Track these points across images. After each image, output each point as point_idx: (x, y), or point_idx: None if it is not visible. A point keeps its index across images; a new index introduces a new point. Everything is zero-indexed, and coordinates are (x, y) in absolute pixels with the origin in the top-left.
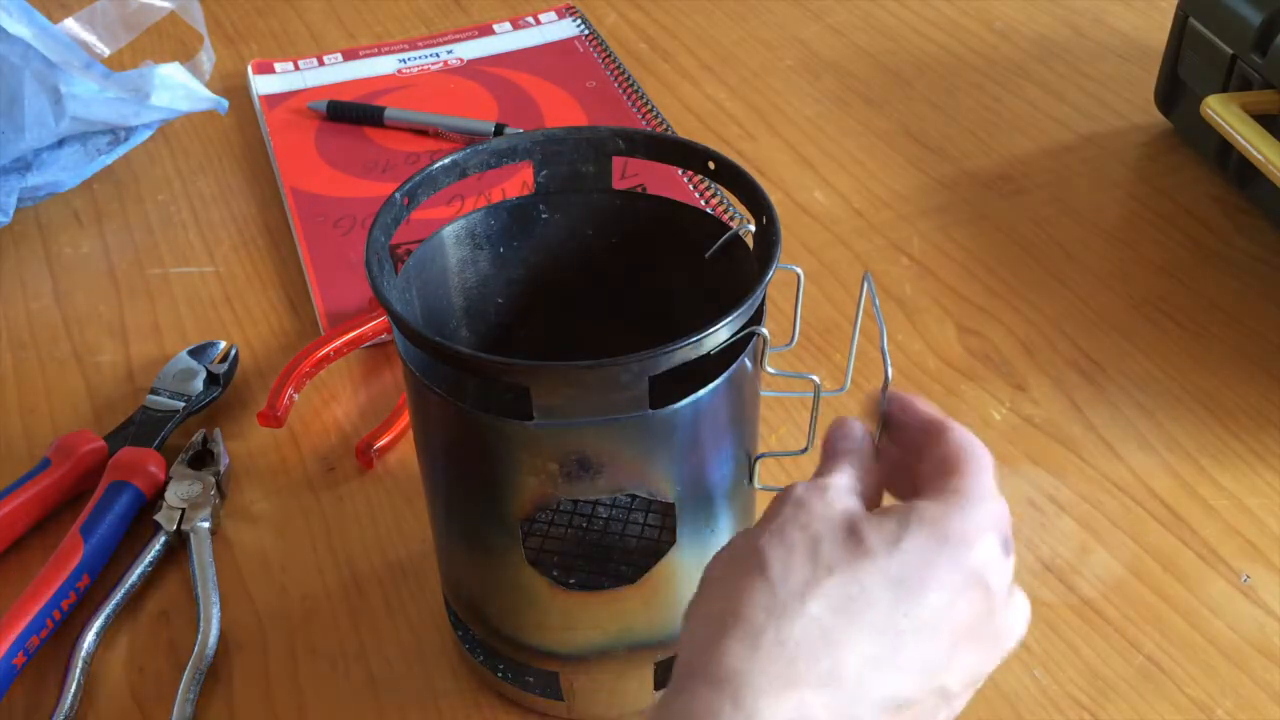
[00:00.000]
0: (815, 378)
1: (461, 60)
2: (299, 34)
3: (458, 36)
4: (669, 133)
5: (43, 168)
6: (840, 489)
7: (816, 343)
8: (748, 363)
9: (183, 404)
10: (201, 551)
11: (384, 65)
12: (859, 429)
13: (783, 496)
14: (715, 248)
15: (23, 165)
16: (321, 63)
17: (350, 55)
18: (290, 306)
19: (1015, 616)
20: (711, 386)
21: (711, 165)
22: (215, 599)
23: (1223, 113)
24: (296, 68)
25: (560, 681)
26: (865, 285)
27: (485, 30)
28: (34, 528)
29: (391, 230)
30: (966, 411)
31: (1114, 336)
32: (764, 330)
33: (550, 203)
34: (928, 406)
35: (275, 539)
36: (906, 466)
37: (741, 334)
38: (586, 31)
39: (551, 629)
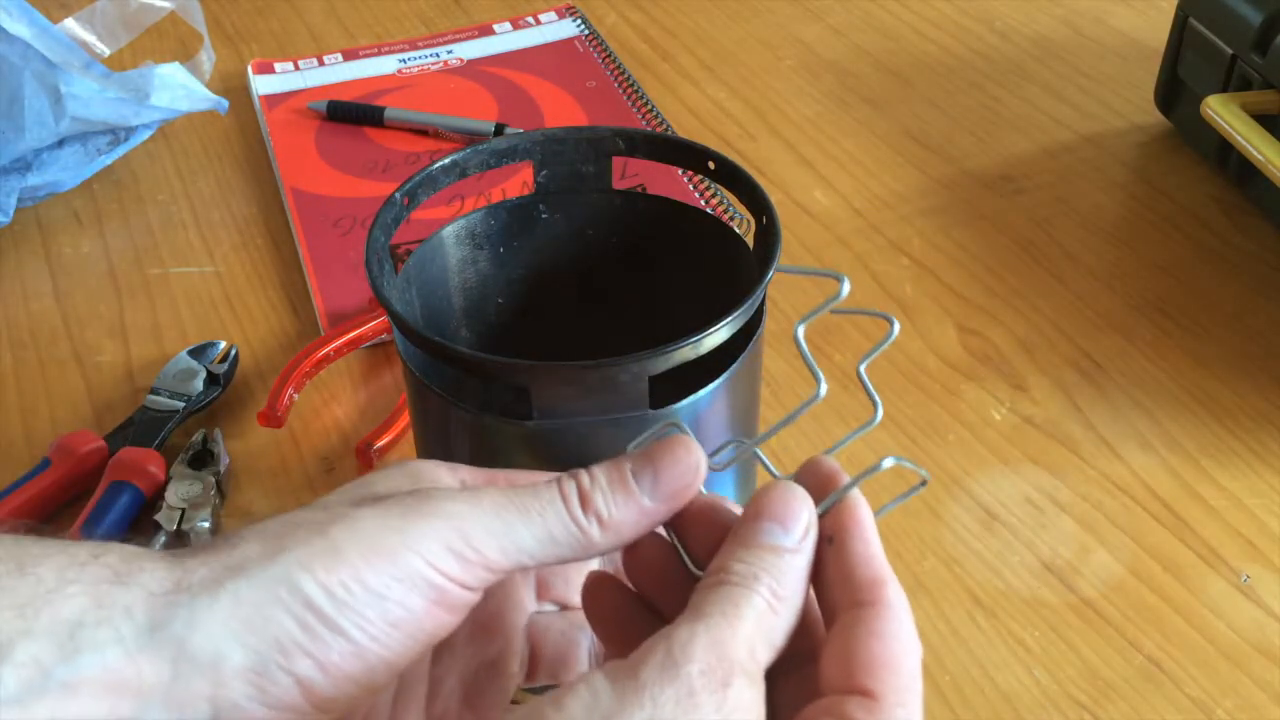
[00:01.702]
0: (844, 278)
1: (461, 60)
2: (299, 34)
3: (458, 36)
4: (669, 133)
5: (43, 168)
6: (750, 679)
7: (817, 344)
8: (747, 363)
9: (183, 404)
10: None
11: (384, 65)
12: (804, 523)
13: (670, 660)
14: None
15: (23, 165)
16: (321, 63)
17: (350, 55)
18: (290, 306)
19: None
20: (711, 386)
21: (711, 165)
22: None
23: (1223, 113)
24: (296, 68)
25: None
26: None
27: (485, 30)
28: (34, 528)
29: (391, 230)
30: (966, 411)
31: (1114, 336)
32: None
33: (550, 203)
34: (875, 544)
35: None
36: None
37: (741, 334)
38: (586, 31)
39: None
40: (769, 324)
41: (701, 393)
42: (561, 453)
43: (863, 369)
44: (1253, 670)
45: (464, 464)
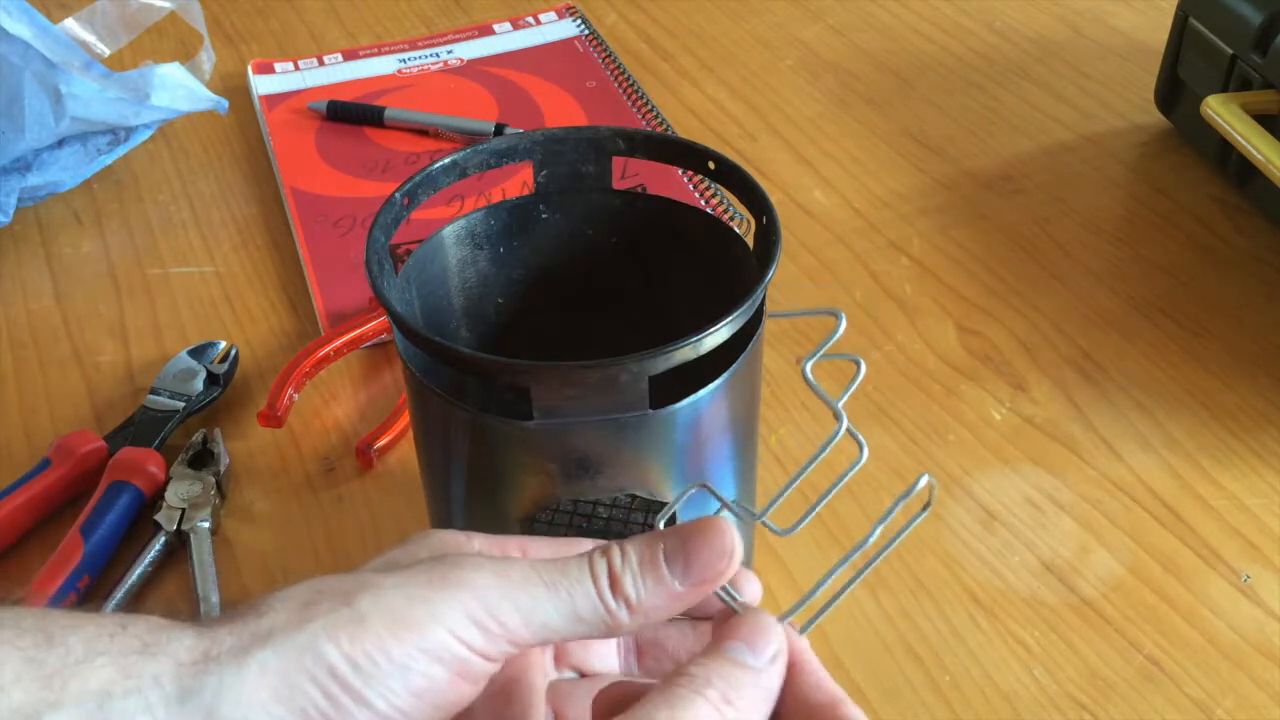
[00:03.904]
0: (841, 315)
1: (461, 60)
2: (299, 34)
3: (458, 36)
4: (669, 133)
5: (43, 168)
6: None
7: (817, 342)
8: (747, 363)
9: (183, 404)
10: (201, 551)
11: (384, 65)
12: (772, 648)
13: None
14: None
15: (23, 165)
16: (321, 63)
17: (350, 55)
18: (290, 306)
19: None
20: (711, 387)
21: (711, 165)
22: (215, 599)
23: (1223, 113)
24: (296, 68)
25: None
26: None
27: (485, 30)
28: (34, 528)
29: (391, 230)
30: (966, 411)
31: (1114, 336)
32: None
33: (550, 203)
34: (822, 669)
35: (275, 539)
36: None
37: (741, 334)
38: (586, 31)
39: None
40: (769, 324)
41: (701, 393)
42: (561, 453)
43: (808, 368)
44: (1253, 670)
45: (479, 533)
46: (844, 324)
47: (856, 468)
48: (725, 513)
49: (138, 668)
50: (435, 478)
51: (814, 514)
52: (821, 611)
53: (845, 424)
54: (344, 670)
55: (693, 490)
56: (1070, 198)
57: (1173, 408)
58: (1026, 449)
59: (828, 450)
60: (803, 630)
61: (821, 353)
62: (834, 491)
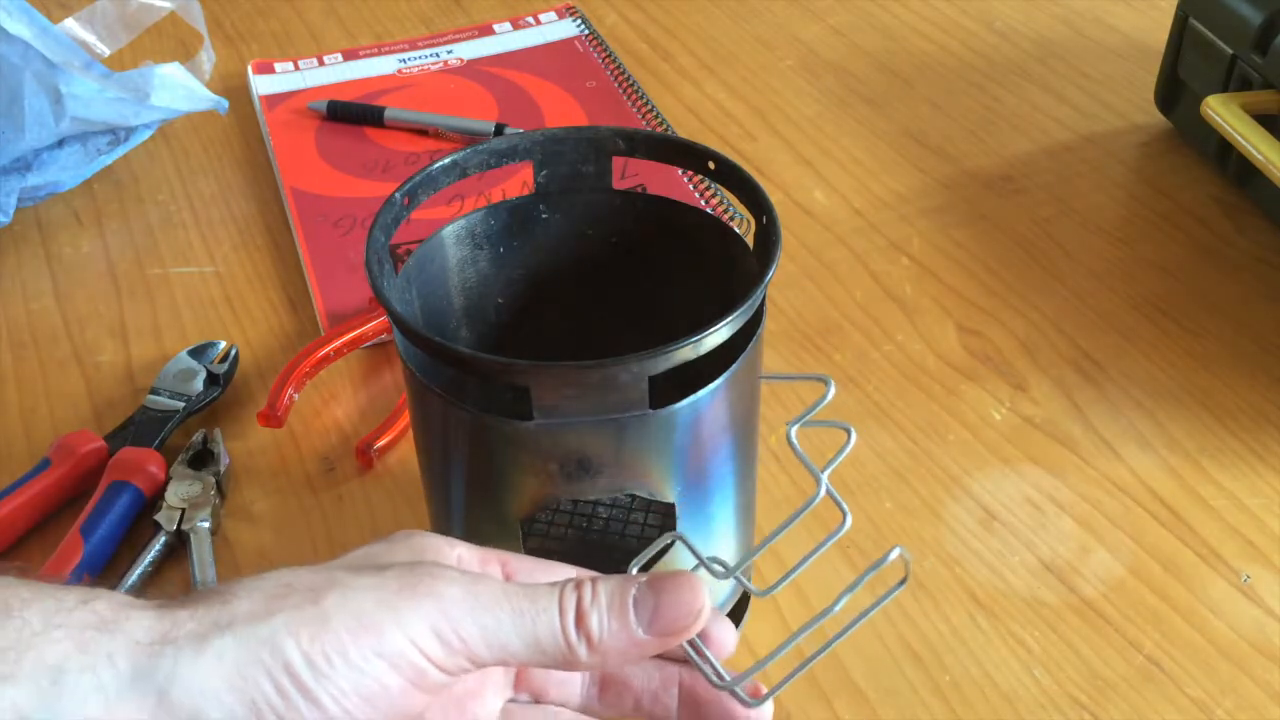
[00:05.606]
0: (830, 381)
1: (461, 60)
2: (299, 34)
3: (458, 36)
4: (669, 133)
5: (43, 168)
6: None
7: (817, 343)
8: (747, 363)
9: (183, 404)
10: (201, 551)
11: (384, 65)
12: None
13: None
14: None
15: (23, 165)
16: (321, 63)
17: (350, 55)
18: (290, 306)
19: None
20: (711, 387)
21: (711, 165)
22: None
23: (1223, 113)
24: (296, 68)
25: None
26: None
27: (485, 30)
28: (34, 528)
29: (391, 230)
30: (966, 411)
31: (1114, 336)
32: None
33: (550, 203)
34: None
35: (275, 539)
36: None
37: (741, 334)
38: (586, 31)
39: None
40: (769, 324)
41: (701, 393)
42: (561, 453)
43: (793, 432)
44: (1253, 670)
45: (462, 542)
46: (832, 391)
47: (839, 534)
48: (700, 565)
49: (95, 643)
50: (435, 478)
51: (794, 576)
52: (784, 682)
53: (824, 489)
54: (300, 667)
55: (667, 540)
56: (1070, 198)
57: (1173, 408)
58: (1026, 449)
59: (805, 513)
60: (763, 700)
61: (809, 417)
62: (814, 557)
